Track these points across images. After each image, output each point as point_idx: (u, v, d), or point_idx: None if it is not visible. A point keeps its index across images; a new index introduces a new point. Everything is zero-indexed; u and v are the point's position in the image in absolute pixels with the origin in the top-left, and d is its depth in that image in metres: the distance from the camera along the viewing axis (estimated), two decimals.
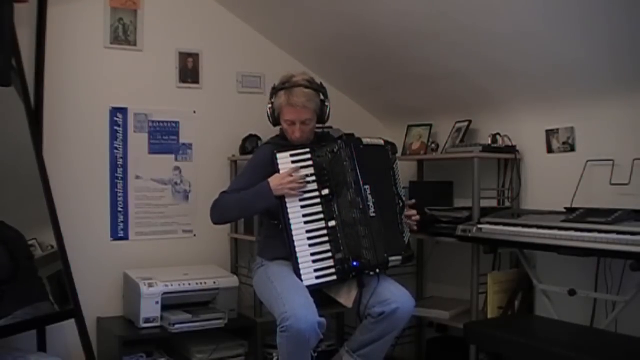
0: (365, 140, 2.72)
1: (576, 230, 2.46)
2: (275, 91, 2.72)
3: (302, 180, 2.57)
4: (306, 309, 2.38)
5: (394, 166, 2.79)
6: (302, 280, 2.52)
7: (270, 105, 2.74)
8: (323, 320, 2.42)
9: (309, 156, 2.63)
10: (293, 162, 2.61)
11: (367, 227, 2.59)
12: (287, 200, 2.56)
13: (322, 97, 2.72)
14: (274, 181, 2.55)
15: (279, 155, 2.62)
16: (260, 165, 2.71)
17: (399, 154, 3.00)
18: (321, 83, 2.76)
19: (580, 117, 2.91)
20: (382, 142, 2.80)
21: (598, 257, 2.60)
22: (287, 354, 2.40)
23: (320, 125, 2.80)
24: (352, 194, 2.60)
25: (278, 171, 2.59)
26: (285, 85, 2.67)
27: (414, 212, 2.78)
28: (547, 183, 3.07)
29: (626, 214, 2.47)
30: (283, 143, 2.75)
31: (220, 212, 2.68)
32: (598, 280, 2.72)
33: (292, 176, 2.55)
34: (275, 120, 2.75)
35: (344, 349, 2.66)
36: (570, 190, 2.82)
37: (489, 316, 2.98)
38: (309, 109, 2.66)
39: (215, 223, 2.74)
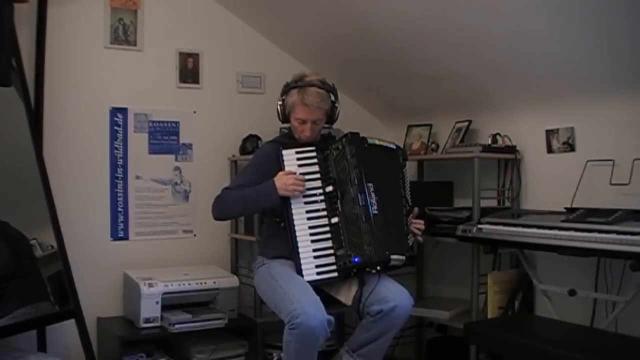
0: (372, 140, 2.71)
1: (576, 230, 2.46)
2: (287, 88, 2.72)
3: (304, 181, 2.57)
4: (315, 307, 2.38)
5: (403, 170, 2.79)
6: (302, 276, 2.52)
7: (281, 102, 2.74)
8: (332, 318, 2.41)
9: (314, 154, 2.65)
10: (298, 158, 2.63)
11: (369, 224, 2.57)
12: (291, 198, 2.57)
13: (332, 98, 2.73)
14: (278, 181, 2.56)
15: (284, 152, 2.63)
16: (263, 161, 2.72)
17: None
18: (333, 84, 2.76)
19: (580, 117, 2.91)
20: (393, 145, 2.80)
21: (598, 257, 2.60)
22: (294, 352, 2.37)
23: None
24: (354, 190, 2.59)
25: (283, 167, 2.60)
26: (299, 84, 2.68)
27: (420, 221, 2.76)
28: (547, 183, 3.06)
29: (626, 214, 2.47)
30: (287, 141, 2.75)
31: (222, 208, 2.69)
32: (598, 280, 2.72)
33: (295, 177, 2.56)
34: (285, 117, 2.75)
35: (343, 349, 2.66)
36: (570, 190, 2.82)
37: (489, 316, 2.98)
38: (321, 109, 2.67)
39: (217, 218, 2.74)
